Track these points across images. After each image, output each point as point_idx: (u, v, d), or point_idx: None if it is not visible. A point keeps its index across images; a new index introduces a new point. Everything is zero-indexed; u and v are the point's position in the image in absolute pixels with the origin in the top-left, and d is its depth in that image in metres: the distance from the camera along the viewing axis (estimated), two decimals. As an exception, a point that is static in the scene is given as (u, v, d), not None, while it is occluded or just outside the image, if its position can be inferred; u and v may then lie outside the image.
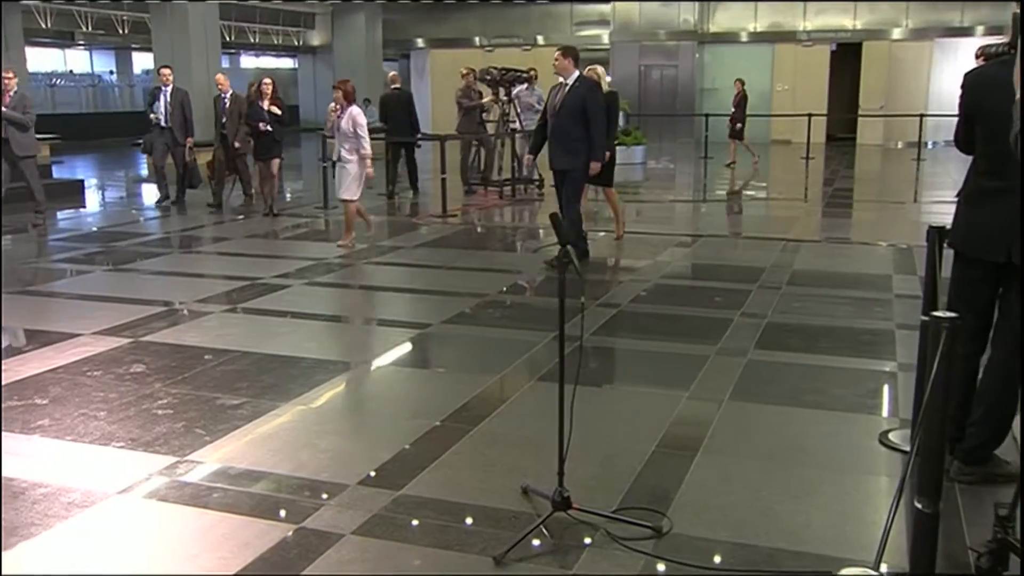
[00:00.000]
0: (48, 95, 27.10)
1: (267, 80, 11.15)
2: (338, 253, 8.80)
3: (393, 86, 14.37)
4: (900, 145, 23.00)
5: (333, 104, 9.10)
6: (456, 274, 8.12)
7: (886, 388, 5.00)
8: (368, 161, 8.89)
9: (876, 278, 7.63)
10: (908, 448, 3.93)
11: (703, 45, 25.27)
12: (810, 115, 19.45)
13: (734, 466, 3.91)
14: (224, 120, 12.02)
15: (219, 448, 4.10)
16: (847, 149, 22.46)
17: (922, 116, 19.67)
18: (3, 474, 3.81)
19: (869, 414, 4.59)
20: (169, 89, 12.52)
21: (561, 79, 7.80)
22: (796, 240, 9.51)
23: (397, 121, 13.34)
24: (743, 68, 24.98)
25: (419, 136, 13.82)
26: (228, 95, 12.01)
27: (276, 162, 11.42)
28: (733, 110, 17.98)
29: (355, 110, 8.94)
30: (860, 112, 23.51)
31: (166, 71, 12.74)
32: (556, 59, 7.75)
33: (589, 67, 8.60)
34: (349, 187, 8.95)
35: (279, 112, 11.22)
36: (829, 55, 24.28)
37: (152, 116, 12.64)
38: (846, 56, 24.14)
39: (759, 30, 24.96)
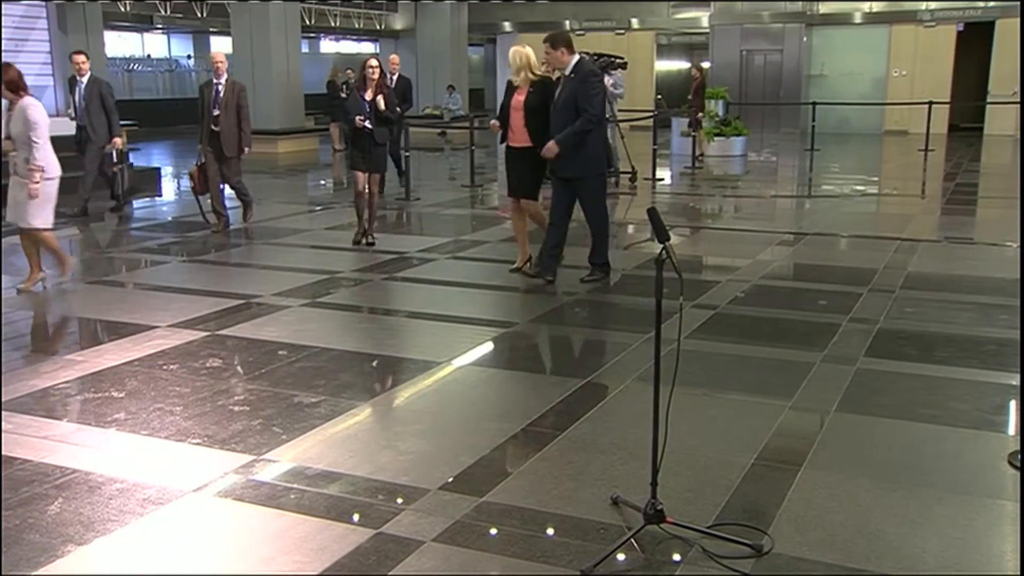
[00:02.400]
0: (125, 80, 28.08)
1: (373, 63, 8.90)
2: (420, 247, 8.91)
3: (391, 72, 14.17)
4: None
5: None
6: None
7: (1014, 404, 4.83)
8: (38, 176, 6.82)
9: (1003, 282, 7.37)
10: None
11: (811, 28, 24.78)
12: (931, 103, 18.89)
13: (841, 483, 3.83)
14: (216, 113, 9.66)
15: (296, 447, 4.20)
16: (973, 140, 21.75)
17: (1062, 103, 18.94)
18: (79, 467, 3.98)
19: (995, 431, 4.44)
20: (85, 80, 10.82)
21: (559, 72, 7.30)
22: (912, 240, 9.25)
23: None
24: (855, 52, 24.52)
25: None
26: (223, 80, 9.72)
27: (378, 178, 9.37)
28: (690, 98, 17.45)
29: (28, 104, 6.78)
30: (989, 99, 22.69)
31: (79, 58, 10.81)
32: (546, 52, 7.23)
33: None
34: (33, 211, 6.92)
35: (383, 108, 8.76)
36: (955, 36, 23.51)
37: (68, 113, 11.49)
38: (974, 37, 23.33)
39: (875, 11, 24.35)
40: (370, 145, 8.83)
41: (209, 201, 9.99)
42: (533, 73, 7.33)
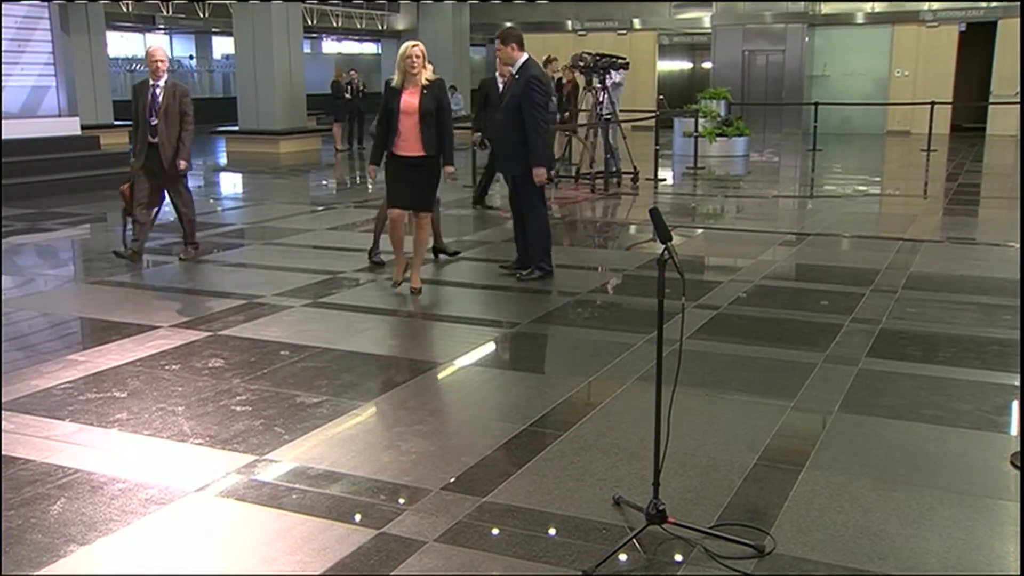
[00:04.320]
0: (127, 81, 28.10)
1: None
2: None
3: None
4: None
5: None
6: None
7: (1016, 404, 4.83)
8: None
9: (1006, 283, 7.37)
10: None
11: (813, 28, 24.79)
12: (933, 103, 18.89)
13: (844, 484, 3.83)
14: (154, 122, 8.13)
15: (298, 447, 4.20)
16: (975, 141, 21.73)
17: (1064, 104, 18.92)
18: (82, 467, 3.99)
19: (997, 432, 4.44)
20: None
21: (510, 69, 7.36)
22: (914, 240, 9.25)
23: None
24: (857, 52, 24.51)
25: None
26: (161, 83, 8.17)
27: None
28: (568, 105, 16.46)
29: None
30: (991, 99, 22.67)
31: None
32: (497, 48, 7.30)
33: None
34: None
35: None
36: (957, 36, 23.49)
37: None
38: (977, 37, 23.31)
39: (877, 11, 24.34)
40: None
41: (132, 225, 8.41)
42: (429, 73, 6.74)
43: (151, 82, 8.14)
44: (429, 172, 6.83)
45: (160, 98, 8.11)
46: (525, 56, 7.21)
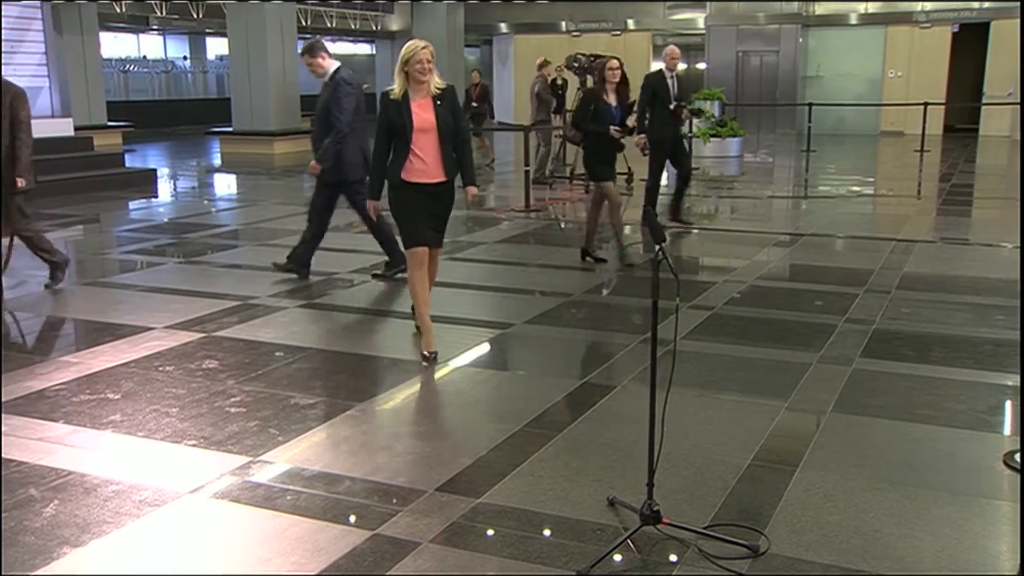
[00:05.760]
0: (121, 81, 28.07)
1: (614, 64, 7.87)
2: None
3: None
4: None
5: None
6: (539, 272, 8.14)
7: (1010, 404, 4.84)
8: None
9: (999, 283, 7.39)
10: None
11: (807, 29, 24.82)
12: (926, 104, 18.94)
13: (838, 484, 3.84)
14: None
15: (292, 449, 4.20)
16: (968, 141, 21.78)
17: (1057, 104, 18.98)
18: (75, 469, 3.98)
19: (991, 432, 4.45)
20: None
21: (322, 79, 7.24)
22: (908, 240, 9.26)
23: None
24: (851, 53, 24.55)
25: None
26: None
27: (611, 184, 8.12)
28: (475, 105, 16.55)
29: None
30: (984, 100, 22.74)
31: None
32: (307, 63, 7.19)
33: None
34: None
35: (632, 117, 8.11)
36: (950, 37, 23.55)
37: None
38: (969, 38, 23.37)
39: (871, 11, 24.38)
40: (614, 156, 8.08)
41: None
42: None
43: None
44: (450, 200, 5.61)
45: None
46: (335, 64, 7.22)
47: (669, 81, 9.65)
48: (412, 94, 5.31)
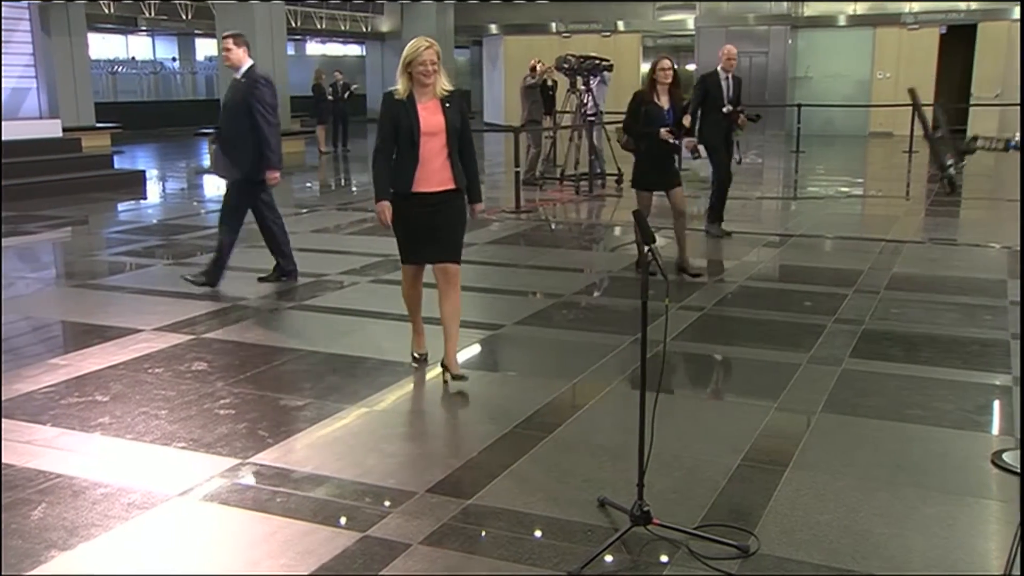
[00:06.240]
0: (109, 83, 27.98)
1: (666, 64, 7.42)
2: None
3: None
4: (1018, 137, 22.24)
5: None
6: (530, 273, 8.14)
7: (998, 403, 4.86)
8: None
9: (987, 283, 7.42)
10: (1024, 470, 3.82)
11: (796, 30, 24.90)
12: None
13: (827, 484, 3.84)
14: None
15: (282, 451, 4.19)
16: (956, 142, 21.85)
17: (1044, 105, 19.05)
18: (63, 472, 3.96)
19: (979, 431, 4.47)
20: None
21: (234, 73, 7.18)
22: (896, 241, 9.30)
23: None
24: (840, 54, 24.64)
25: None
26: None
27: (680, 191, 7.62)
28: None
29: None
30: (972, 101, 22.85)
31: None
32: (228, 49, 7.05)
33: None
34: None
35: (686, 120, 7.58)
36: (938, 39, 23.66)
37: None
38: (957, 40, 23.48)
39: (859, 13, 24.48)
40: (668, 161, 7.61)
41: None
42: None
43: None
44: (460, 210, 5.10)
45: None
46: (251, 62, 7.16)
47: (724, 83, 9.17)
48: (417, 96, 4.85)
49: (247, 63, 7.13)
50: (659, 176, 7.50)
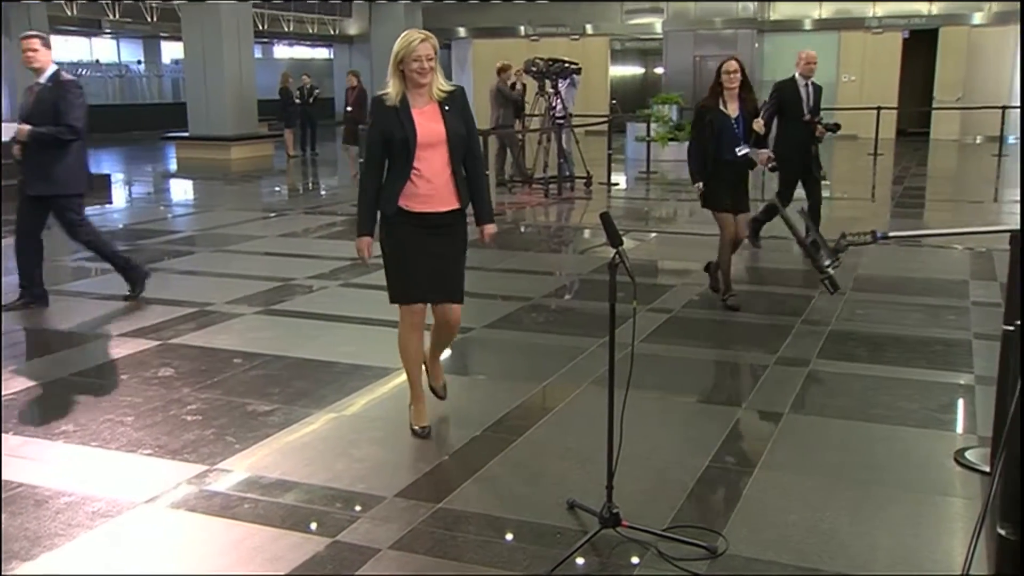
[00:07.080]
0: (74, 86, 27.58)
1: (732, 66, 6.52)
2: (377, 253, 8.86)
3: None
4: (979, 140, 22.60)
5: None
6: (499, 276, 8.14)
7: (961, 402, 4.93)
8: None
9: (950, 284, 7.52)
10: (988, 469, 3.87)
11: (763, 34, 25.09)
12: (879, 108, 19.21)
13: (795, 484, 3.88)
14: None
15: (250, 457, 4.16)
16: (920, 145, 22.13)
17: (1004, 108, 19.35)
18: (25, 481, 3.90)
19: (943, 430, 4.52)
20: None
21: (36, 77, 6.63)
22: (861, 243, 9.35)
23: None
24: (806, 58, 24.84)
25: None
26: None
27: (745, 218, 7.04)
28: (349, 110, 15.64)
29: None
30: (935, 105, 23.16)
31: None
32: (34, 50, 6.48)
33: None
34: None
35: (760, 127, 6.69)
36: (901, 43, 23.95)
37: None
38: (919, 44, 23.79)
39: (824, 16, 24.72)
40: (744, 183, 6.71)
41: None
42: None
43: None
44: (462, 237, 4.42)
45: None
46: (56, 67, 6.66)
47: (803, 90, 8.54)
48: (411, 99, 4.14)
49: (52, 67, 6.61)
50: (733, 200, 6.64)
